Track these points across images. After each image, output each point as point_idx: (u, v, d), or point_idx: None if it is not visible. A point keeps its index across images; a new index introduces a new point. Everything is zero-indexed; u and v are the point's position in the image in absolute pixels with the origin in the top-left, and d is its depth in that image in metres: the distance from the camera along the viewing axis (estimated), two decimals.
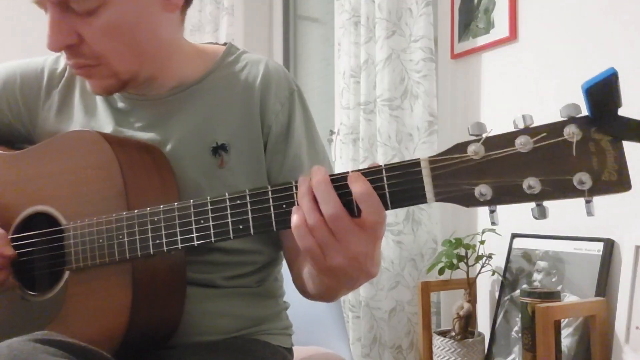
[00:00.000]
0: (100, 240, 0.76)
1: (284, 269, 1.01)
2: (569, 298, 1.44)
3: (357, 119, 2.07)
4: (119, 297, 0.75)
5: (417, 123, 1.87)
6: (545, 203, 0.56)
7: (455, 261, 1.67)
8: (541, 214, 0.56)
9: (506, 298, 1.63)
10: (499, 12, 1.77)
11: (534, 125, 0.55)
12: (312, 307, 1.22)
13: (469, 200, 0.57)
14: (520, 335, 1.48)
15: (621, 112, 0.55)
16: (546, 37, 1.63)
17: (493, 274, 1.69)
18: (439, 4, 2.01)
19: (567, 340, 1.41)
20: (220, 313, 0.88)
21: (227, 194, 0.69)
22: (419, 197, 0.60)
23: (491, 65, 1.82)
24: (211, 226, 0.70)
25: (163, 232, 0.73)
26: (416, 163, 0.60)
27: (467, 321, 1.66)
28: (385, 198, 0.61)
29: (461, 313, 1.65)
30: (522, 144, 0.54)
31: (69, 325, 0.77)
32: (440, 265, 1.70)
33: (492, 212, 0.59)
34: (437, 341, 1.67)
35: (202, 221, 0.71)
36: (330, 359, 1.18)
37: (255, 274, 0.93)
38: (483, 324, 1.77)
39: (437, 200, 0.59)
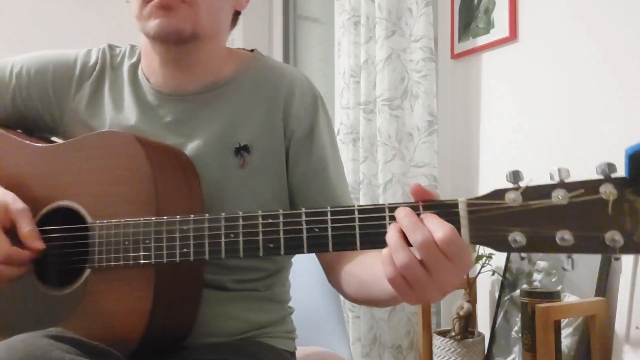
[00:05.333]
0: (126, 243, 0.76)
1: (291, 276, 1.03)
2: (569, 298, 1.44)
3: (357, 119, 2.07)
4: (140, 301, 0.75)
5: (417, 123, 1.87)
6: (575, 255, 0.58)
7: None
8: (571, 265, 0.59)
9: (506, 298, 1.63)
10: (499, 12, 1.77)
11: (570, 180, 0.58)
12: (312, 307, 1.22)
13: (503, 245, 0.59)
14: (520, 335, 1.48)
15: None
16: (546, 37, 1.63)
17: (493, 274, 1.69)
18: (439, 4, 2.01)
19: (567, 340, 1.41)
20: (227, 315, 0.89)
21: (260, 212, 0.69)
22: None
23: (491, 65, 1.82)
24: (241, 241, 0.70)
25: (191, 242, 0.73)
26: (454, 204, 0.61)
27: (467, 321, 1.66)
28: None
29: (461, 313, 1.65)
30: (559, 197, 0.57)
31: (85, 322, 0.77)
32: None
33: (522, 258, 0.61)
34: (437, 341, 1.67)
35: (231, 235, 0.71)
36: (330, 359, 1.18)
37: (265, 279, 0.94)
38: (483, 324, 1.77)
39: (471, 242, 0.60)
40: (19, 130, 0.97)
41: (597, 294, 1.38)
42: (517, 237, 0.58)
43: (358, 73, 2.09)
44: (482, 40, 1.83)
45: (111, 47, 0.99)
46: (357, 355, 1.97)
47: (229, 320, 0.89)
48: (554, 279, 1.50)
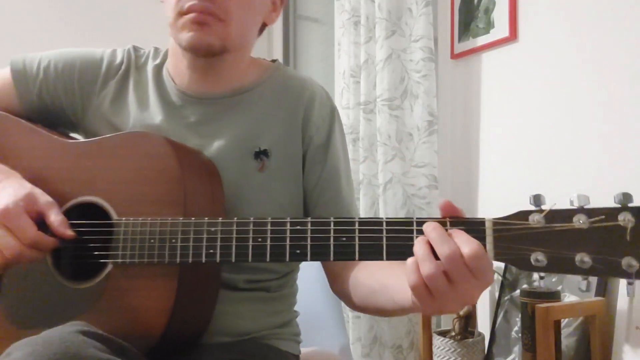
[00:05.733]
0: (152, 241, 0.77)
1: (299, 280, 1.04)
2: (569, 298, 1.44)
3: (357, 119, 2.07)
4: (162, 299, 0.76)
5: (417, 123, 1.87)
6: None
7: None
8: (587, 287, 0.63)
9: (506, 298, 1.63)
10: (499, 12, 1.77)
11: (590, 206, 0.61)
12: (312, 307, 1.22)
13: (525, 264, 0.62)
14: (520, 335, 1.48)
15: None
16: (546, 37, 1.63)
17: (493, 274, 1.69)
18: (439, 4, 2.01)
19: (567, 340, 1.41)
20: (237, 315, 0.90)
21: (288, 218, 0.72)
22: None
23: (491, 65, 1.82)
24: (268, 246, 0.72)
25: (218, 244, 0.74)
26: (481, 222, 0.64)
27: (467, 321, 1.66)
28: None
29: (461, 313, 1.65)
30: (581, 221, 0.61)
31: (105, 317, 0.78)
32: None
33: (541, 278, 0.64)
34: (437, 341, 1.67)
35: (259, 239, 0.72)
36: (330, 359, 1.18)
37: (276, 280, 0.96)
38: (483, 324, 1.77)
39: (495, 259, 0.63)
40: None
41: (597, 294, 1.38)
42: (539, 256, 0.61)
43: (358, 73, 2.09)
44: (482, 40, 1.83)
45: (135, 49, 1.02)
46: (357, 355, 1.97)
47: (238, 320, 0.90)
48: (554, 279, 1.50)
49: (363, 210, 1.98)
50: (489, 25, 1.80)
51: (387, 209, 1.89)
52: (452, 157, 1.97)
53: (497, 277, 1.68)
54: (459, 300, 0.63)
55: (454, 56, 1.94)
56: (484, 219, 0.64)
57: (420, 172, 1.85)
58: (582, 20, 1.53)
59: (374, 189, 2.00)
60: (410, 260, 0.63)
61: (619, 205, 0.60)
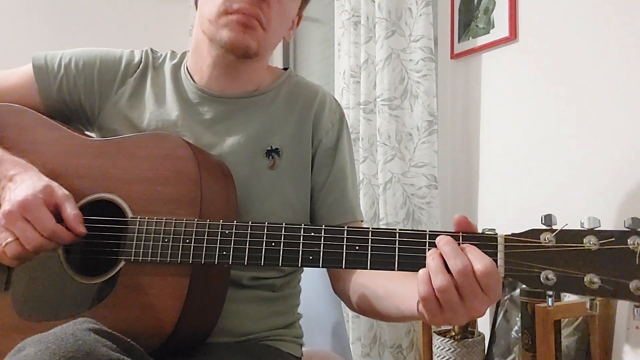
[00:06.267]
0: (166, 240, 0.78)
1: (302, 282, 1.05)
2: (569, 298, 1.44)
3: (357, 119, 2.07)
4: (173, 297, 0.77)
5: (416, 123, 1.87)
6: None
7: None
8: (593, 307, 0.63)
9: (506, 298, 1.63)
10: (499, 12, 1.77)
11: (600, 228, 0.63)
12: (312, 307, 1.22)
13: (534, 282, 0.64)
14: (520, 335, 1.48)
15: None
16: (546, 37, 1.63)
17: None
18: (439, 4, 2.01)
19: (567, 340, 1.41)
20: (240, 315, 0.91)
21: (302, 224, 0.73)
22: None
23: (491, 65, 1.82)
24: (281, 250, 0.73)
25: (232, 246, 0.76)
26: (494, 238, 0.66)
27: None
28: None
29: None
30: (591, 242, 0.62)
31: (114, 313, 0.79)
32: None
33: (550, 296, 0.66)
34: (437, 341, 1.67)
35: (273, 244, 0.74)
36: (330, 359, 1.18)
37: (280, 279, 0.98)
38: (483, 324, 1.77)
39: (505, 275, 0.65)
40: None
41: None
42: (550, 275, 0.63)
43: (358, 73, 2.09)
44: (482, 40, 1.83)
45: (153, 50, 1.06)
46: (357, 355, 1.97)
47: (241, 320, 0.91)
48: None
49: (363, 210, 1.98)
50: (489, 25, 1.80)
51: (387, 208, 1.89)
52: (452, 157, 1.97)
53: None
54: (467, 313, 0.64)
55: (454, 56, 1.94)
56: (496, 234, 0.66)
57: (420, 172, 1.85)
58: (582, 20, 1.53)
59: (373, 189, 2.00)
60: (422, 271, 0.64)
61: (629, 229, 0.61)
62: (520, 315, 1.45)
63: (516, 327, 1.56)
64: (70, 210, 0.80)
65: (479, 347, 1.63)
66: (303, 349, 1.03)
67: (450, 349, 1.62)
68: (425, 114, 1.84)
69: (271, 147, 0.96)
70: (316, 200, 0.98)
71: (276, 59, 3.15)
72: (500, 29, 1.76)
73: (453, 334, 1.66)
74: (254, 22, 0.89)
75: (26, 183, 0.80)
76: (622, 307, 1.34)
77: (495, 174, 1.80)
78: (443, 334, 1.70)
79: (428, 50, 1.84)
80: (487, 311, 1.74)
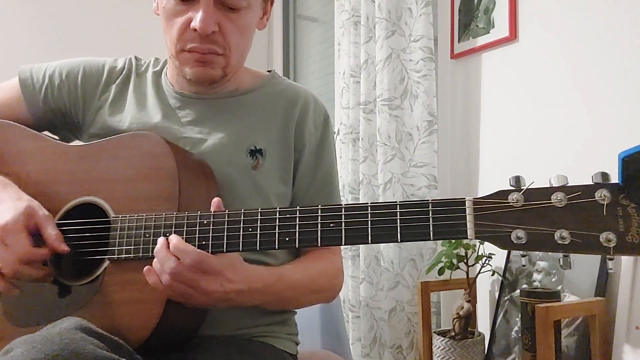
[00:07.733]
0: (147, 235, 0.80)
1: None
2: (569, 298, 1.44)
3: (357, 119, 2.07)
4: (156, 291, 0.78)
5: (416, 123, 1.87)
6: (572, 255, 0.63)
7: (455, 261, 1.67)
8: (566, 264, 0.63)
9: (506, 298, 1.63)
10: (499, 12, 1.77)
11: (569, 184, 0.62)
12: (313, 307, 1.22)
13: (505, 242, 0.64)
14: (520, 335, 1.48)
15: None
16: (546, 37, 1.63)
17: (493, 274, 1.69)
18: (439, 4, 2.01)
19: (567, 340, 1.41)
20: (232, 308, 0.90)
21: (278, 207, 0.74)
22: (460, 232, 0.66)
23: (491, 65, 1.82)
24: (258, 234, 0.74)
25: (210, 235, 0.77)
26: (461, 202, 0.66)
27: (467, 321, 1.66)
28: (428, 229, 0.67)
29: (461, 313, 1.65)
30: (558, 199, 0.62)
31: (101, 311, 0.80)
32: (440, 265, 1.70)
33: (523, 256, 0.66)
34: (437, 341, 1.67)
35: (250, 229, 0.75)
36: (330, 359, 1.18)
37: None
38: (483, 324, 1.76)
39: (476, 238, 0.65)
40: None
41: (597, 294, 1.38)
42: (520, 234, 0.62)
43: (358, 73, 2.09)
44: (482, 40, 1.82)
45: (137, 58, 1.08)
46: (357, 355, 1.97)
47: (232, 312, 0.90)
48: (553, 279, 1.50)
49: None
50: (489, 25, 1.80)
51: None
52: (452, 157, 1.97)
53: (497, 277, 1.68)
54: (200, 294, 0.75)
55: (454, 56, 1.94)
56: (464, 198, 0.66)
57: (420, 172, 1.85)
58: (582, 20, 1.53)
59: (373, 189, 2.00)
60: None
61: (596, 183, 0.61)
62: (520, 315, 1.45)
63: (516, 327, 1.56)
64: (50, 231, 0.82)
65: (479, 347, 1.63)
66: (303, 348, 1.03)
67: (450, 349, 1.62)
68: (425, 114, 1.84)
69: (255, 147, 0.96)
70: (304, 204, 0.98)
71: (276, 59, 3.15)
72: (500, 29, 1.75)
73: (453, 334, 1.66)
74: (210, 57, 0.92)
75: (7, 205, 0.82)
76: (622, 307, 1.34)
77: (495, 173, 1.80)
78: (443, 334, 1.70)
79: (428, 50, 1.84)
80: (487, 311, 1.75)
